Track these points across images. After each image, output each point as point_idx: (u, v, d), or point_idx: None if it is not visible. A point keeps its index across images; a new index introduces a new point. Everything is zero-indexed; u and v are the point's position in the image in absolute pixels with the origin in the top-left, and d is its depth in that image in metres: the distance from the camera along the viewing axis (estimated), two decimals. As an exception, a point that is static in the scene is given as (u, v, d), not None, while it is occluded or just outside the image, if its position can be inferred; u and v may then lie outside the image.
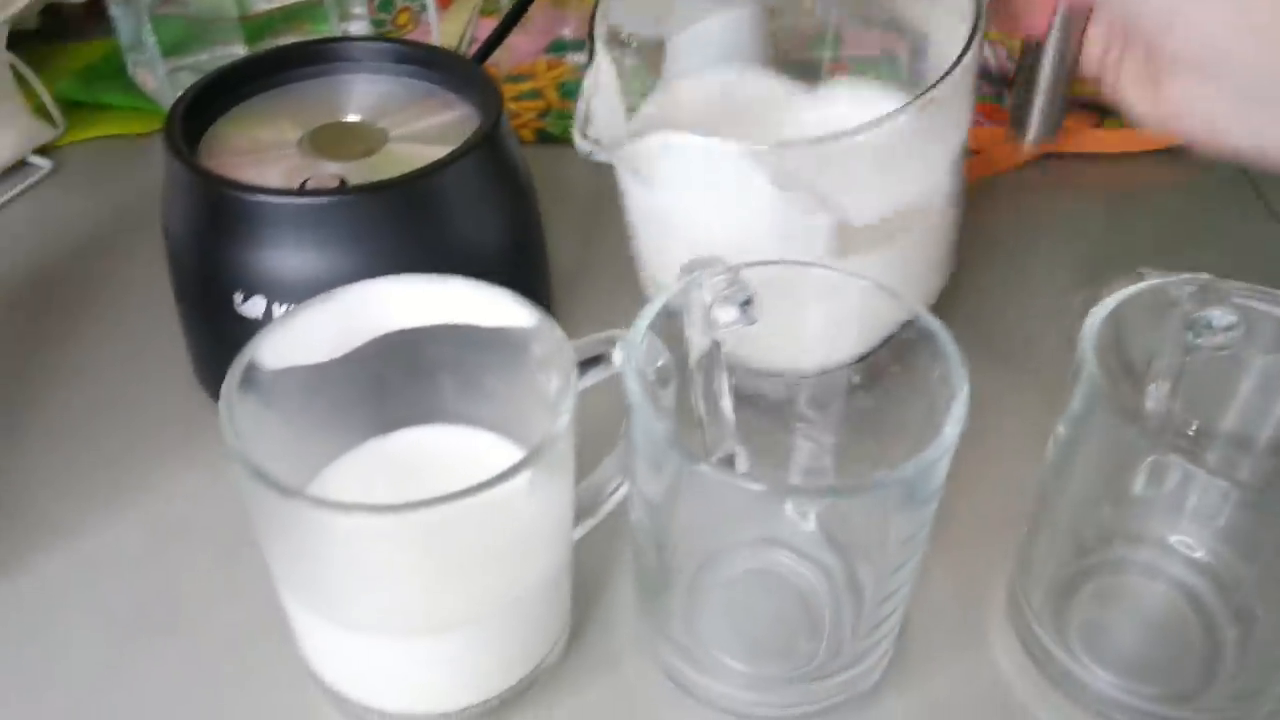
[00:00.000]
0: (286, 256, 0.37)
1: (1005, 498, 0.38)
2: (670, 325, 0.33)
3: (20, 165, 0.56)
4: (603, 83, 0.39)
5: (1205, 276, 0.33)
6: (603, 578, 0.37)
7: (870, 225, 0.37)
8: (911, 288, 0.38)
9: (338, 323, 0.31)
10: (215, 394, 0.42)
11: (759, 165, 0.34)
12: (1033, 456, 0.36)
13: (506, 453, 0.34)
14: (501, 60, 0.61)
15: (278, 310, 0.38)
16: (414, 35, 0.66)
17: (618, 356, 0.32)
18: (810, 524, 0.34)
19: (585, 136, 0.37)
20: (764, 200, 0.35)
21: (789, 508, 0.33)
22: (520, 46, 0.62)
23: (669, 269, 0.33)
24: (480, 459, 0.34)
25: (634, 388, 0.29)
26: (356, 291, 0.31)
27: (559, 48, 0.64)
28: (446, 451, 0.34)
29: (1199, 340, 0.33)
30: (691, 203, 0.38)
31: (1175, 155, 0.57)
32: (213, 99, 0.42)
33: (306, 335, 0.31)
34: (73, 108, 0.60)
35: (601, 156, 0.37)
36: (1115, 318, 0.32)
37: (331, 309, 0.31)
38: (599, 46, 0.40)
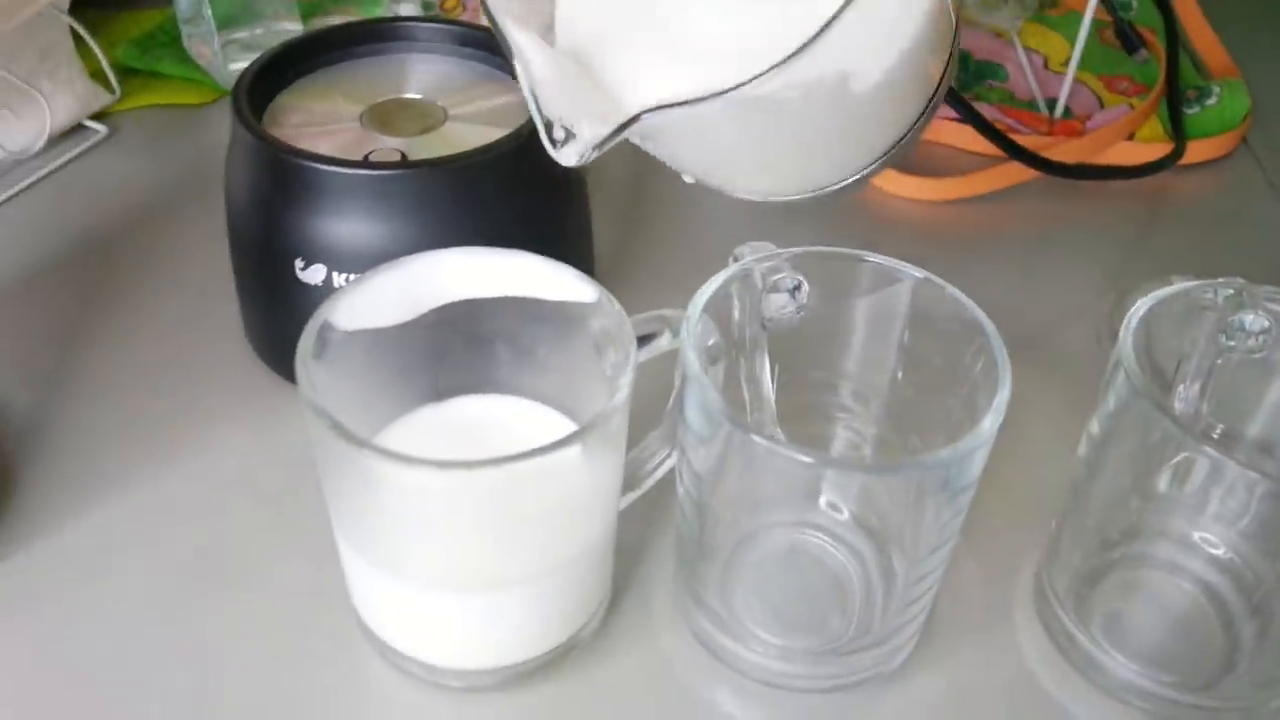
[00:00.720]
0: (348, 226, 0.38)
1: (1033, 489, 0.39)
2: (720, 306, 0.34)
3: (77, 129, 0.58)
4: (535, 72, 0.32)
5: (1239, 281, 0.34)
6: (641, 550, 0.38)
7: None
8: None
9: (407, 289, 0.32)
10: (267, 355, 0.44)
11: None
12: (1060, 451, 0.37)
13: (555, 423, 0.35)
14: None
15: (337, 278, 0.39)
16: (461, 18, 0.67)
17: (668, 334, 0.33)
18: (848, 505, 0.35)
19: (557, 143, 0.31)
20: None
21: (825, 496, 0.34)
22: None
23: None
24: (530, 428, 0.35)
25: (692, 361, 0.30)
26: (426, 260, 0.32)
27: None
28: (498, 420, 0.35)
29: (1232, 343, 0.34)
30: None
31: (1205, 167, 0.59)
32: (277, 72, 0.43)
33: (377, 300, 0.32)
34: (128, 75, 0.61)
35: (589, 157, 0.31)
36: (1148, 319, 0.33)
37: (401, 276, 0.32)
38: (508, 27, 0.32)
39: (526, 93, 0.31)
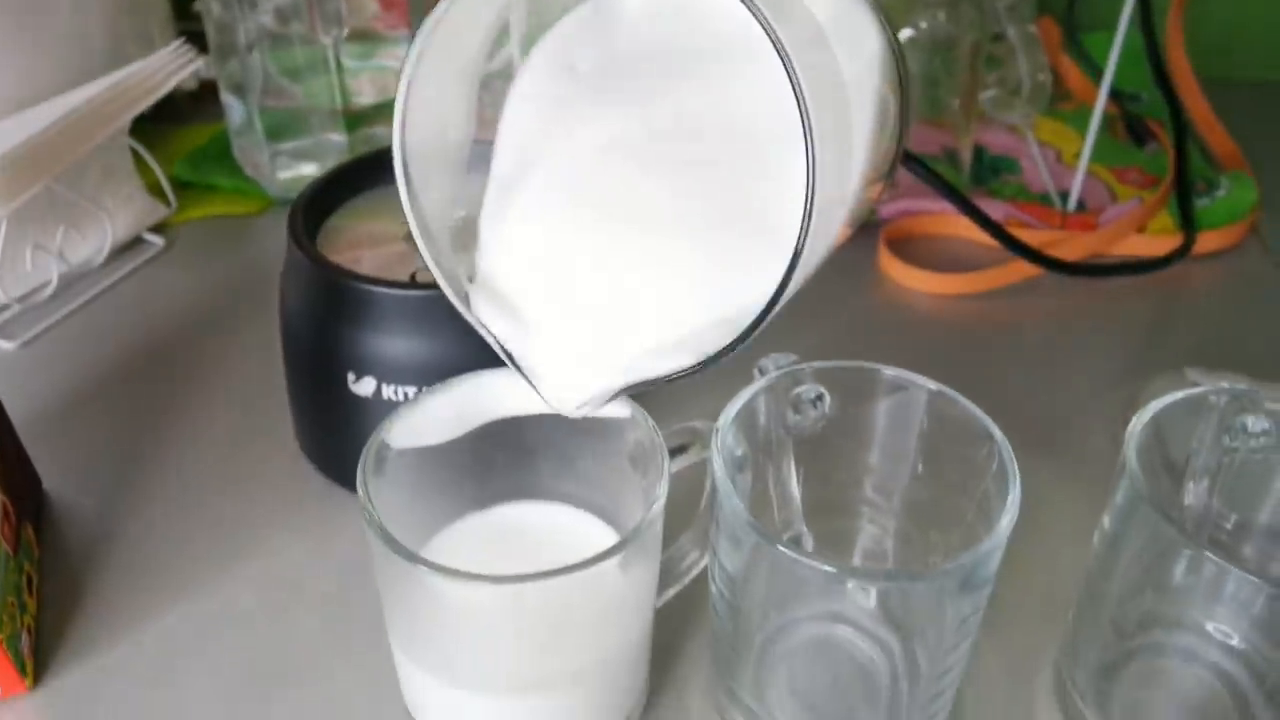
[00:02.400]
0: (397, 342, 0.41)
1: (1051, 583, 0.41)
2: (747, 416, 0.36)
3: (136, 242, 0.61)
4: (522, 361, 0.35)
5: (1241, 386, 0.36)
6: (677, 649, 0.40)
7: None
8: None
9: (455, 408, 0.35)
10: (319, 462, 0.47)
11: None
12: (1077, 544, 0.39)
13: (595, 528, 0.37)
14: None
15: (386, 389, 0.42)
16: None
17: (698, 446, 0.35)
18: (871, 602, 0.37)
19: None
20: None
21: (851, 587, 0.36)
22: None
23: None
24: (571, 534, 0.37)
25: (720, 473, 0.32)
26: (472, 381, 0.35)
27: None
28: (541, 526, 0.37)
29: (1235, 444, 0.36)
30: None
31: (1214, 258, 0.60)
32: (330, 193, 0.46)
33: (428, 419, 0.34)
34: (183, 188, 0.65)
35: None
36: (1156, 421, 0.35)
37: (450, 396, 0.35)
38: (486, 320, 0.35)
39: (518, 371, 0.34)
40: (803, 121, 0.25)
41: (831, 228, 0.30)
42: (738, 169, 0.31)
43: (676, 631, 0.40)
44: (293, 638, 0.40)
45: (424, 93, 0.31)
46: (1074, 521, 0.42)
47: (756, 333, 0.29)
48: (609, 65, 0.33)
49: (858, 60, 0.30)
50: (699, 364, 0.31)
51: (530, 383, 0.33)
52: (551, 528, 0.37)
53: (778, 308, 0.28)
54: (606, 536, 0.37)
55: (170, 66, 0.58)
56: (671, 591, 0.38)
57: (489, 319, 0.33)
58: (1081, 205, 0.62)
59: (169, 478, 0.47)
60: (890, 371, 0.35)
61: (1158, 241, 0.59)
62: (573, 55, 0.34)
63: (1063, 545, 0.42)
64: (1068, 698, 0.37)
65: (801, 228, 0.26)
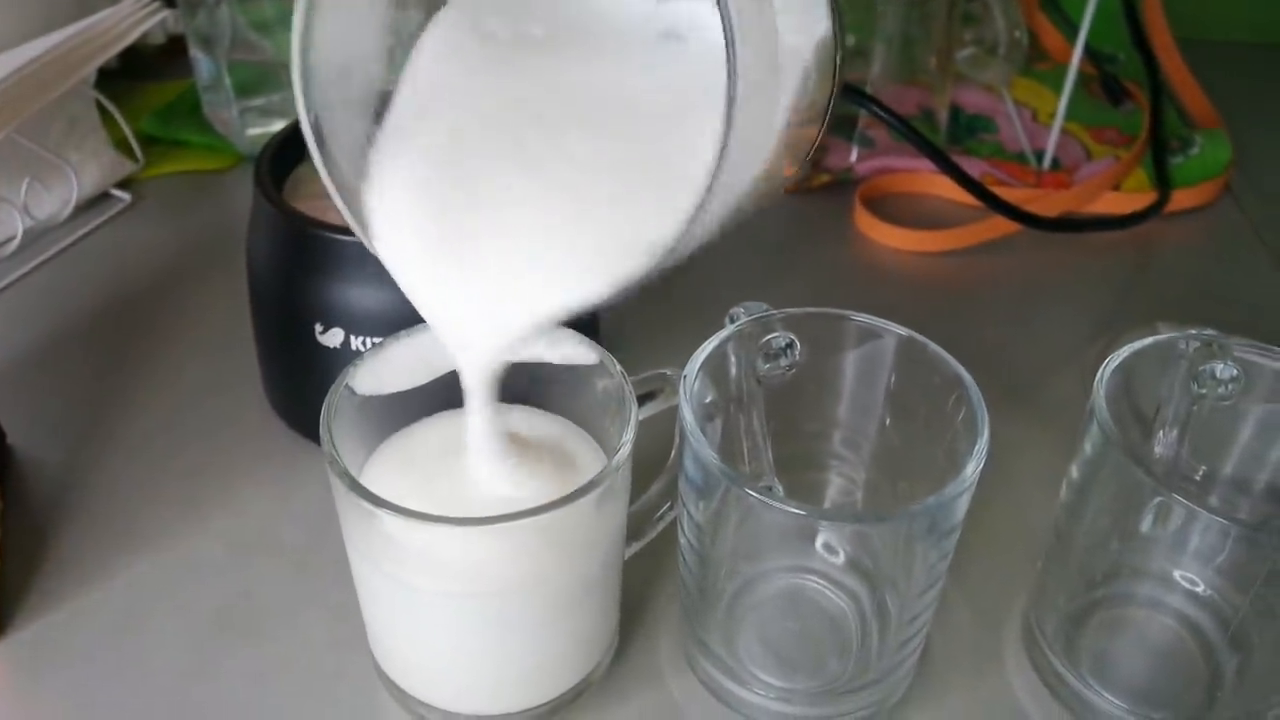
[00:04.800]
0: (365, 292, 0.41)
1: (1021, 533, 0.41)
2: (718, 365, 0.36)
3: (102, 197, 0.60)
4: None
5: (1210, 332, 0.36)
6: (648, 598, 0.40)
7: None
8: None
9: (421, 356, 0.34)
10: (287, 415, 0.46)
11: None
12: (1047, 495, 0.39)
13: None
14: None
15: (354, 341, 0.41)
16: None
17: (668, 393, 0.35)
18: (839, 551, 0.37)
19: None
20: None
21: (820, 540, 0.36)
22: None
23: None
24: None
25: (689, 419, 0.32)
26: (437, 328, 0.34)
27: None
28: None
29: (1203, 391, 0.36)
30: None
31: (1189, 215, 0.61)
32: (298, 143, 0.46)
33: (393, 366, 0.34)
34: (151, 143, 0.64)
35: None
36: (1125, 369, 0.35)
37: (415, 343, 0.34)
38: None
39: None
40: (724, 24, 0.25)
41: (743, 175, 0.29)
42: (642, 132, 0.31)
43: (647, 582, 0.40)
44: (259, 588, 0.40)
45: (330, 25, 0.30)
46: (1046, 473, 0.42)
47: (681, 243, 0.28)
48: (523, 33, 0.33)
49: (800, 35, 0.30)
50: (613, 290, 0.30)
51: (441, 337, 0.32)
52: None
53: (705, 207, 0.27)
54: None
55: (135, 17, 0.57)
56: (640, 543, 0.38)
57: (394, 267, 0.33)
58: (1057, 164, 0.62)
59: (135, 431, 0.46)
60: (860, 318, 0.35)
61: (1133, 199, 0.59)
62: (488, 19, 0.33)
63: (1034, 496, 0.42)
64: (1036, 646, 0.38)
65: (726, 114, 0.25)
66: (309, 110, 0.31)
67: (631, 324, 0.52)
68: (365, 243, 0.33)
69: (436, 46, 0.33)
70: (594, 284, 0.30)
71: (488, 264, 0.31)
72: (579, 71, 0.32)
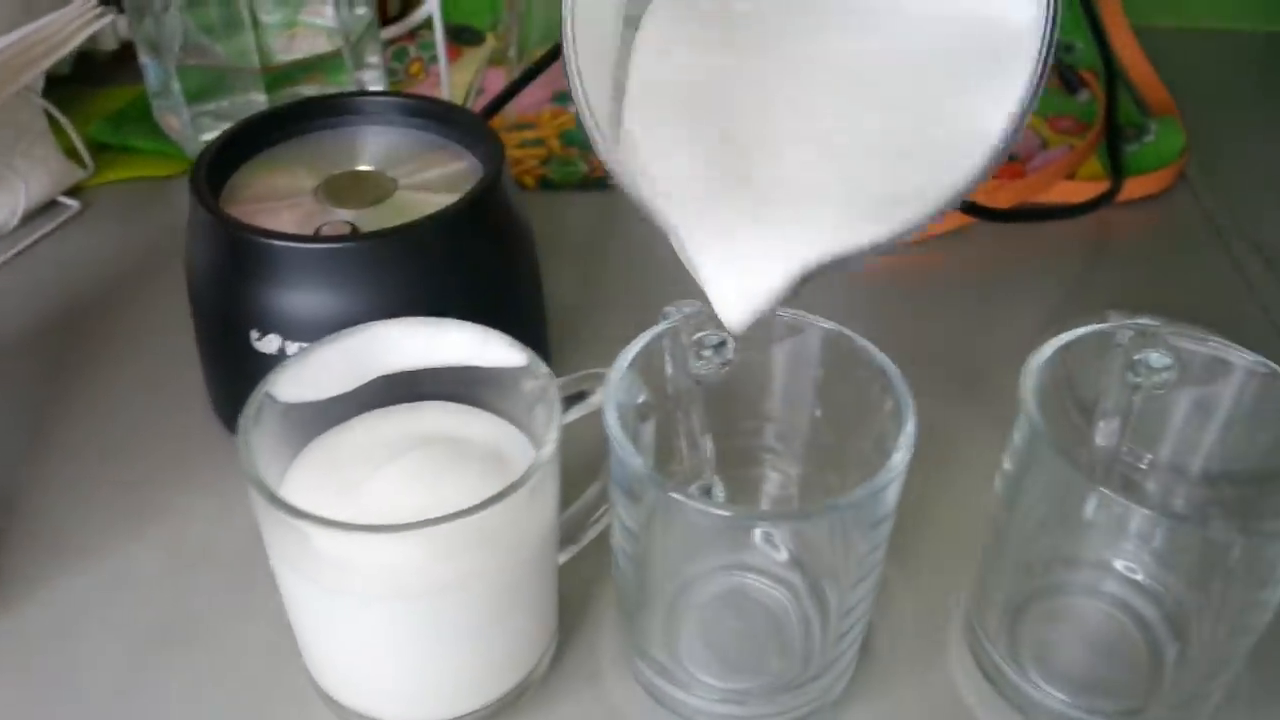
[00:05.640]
0: (300, 297, 0.40)
1: (966, 526, 0.41)
2: (651, 363, 0.36)
3: (51, 205, 0.60)
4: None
5: (1144, 321, 0.36)
6: (587, 601, 0.39)
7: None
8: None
9: (346, 361, 0.34)
10: (230, 424, 0.46)
11: None
12: (990, 488, 0.39)
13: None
14: (507, 109, 0.64)
15: (291, 347, 0.41)
16: (425, 85, 0.70)
17: (599, 394, 0.35)
18: (780, 551, 0.37)
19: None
20: None
21: (757, 534, 0.36)
22: (526, 96, 0.66)
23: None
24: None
25: (612, 422, 0.32)
26: (361, 333, 0.34)
27: (563, 98, 0.67)
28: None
29: (1139, 380, 0.36)
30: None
31: (1144, 203, 0.60)
32: (236, 148, 0.45)
33: (317, 372, 0.34)
34: (101, 150, 0.63)
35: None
36: (1061, 360, 0.35)
37: (340, 348, 0.34)
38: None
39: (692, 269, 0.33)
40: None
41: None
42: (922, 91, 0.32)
43: (589, 583, 0.40)
44: (198, 598, 0.40)
45: None
46: (986, 465, 0.41)
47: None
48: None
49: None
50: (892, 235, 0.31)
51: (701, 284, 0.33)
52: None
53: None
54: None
55: (80, 21, 0.56)
56: (576, 548, 0.38)
57: (655, 205, 0.32)
58: (1012, 154, 0.62)
59: (78, 441, 0.46)
60: (786, 314, 0.35)
61: (1087, 188, 0.59)
62: None
63: (977, 489, 0.42)
64: (976, 640, 0.37)
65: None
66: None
67: (584, 323, 0.52)
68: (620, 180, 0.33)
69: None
70: (873, 228, 0.31)
71: (758, 209, 0.32)
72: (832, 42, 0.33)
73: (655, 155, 0.33)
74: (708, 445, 0.38)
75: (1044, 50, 0.30)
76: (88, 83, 0.68)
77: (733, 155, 0.33)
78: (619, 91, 0.34)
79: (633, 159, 0.33)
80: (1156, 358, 0.35)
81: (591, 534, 0.38)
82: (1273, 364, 0.34)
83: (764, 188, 0.32)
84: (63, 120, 0.60)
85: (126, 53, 0.67)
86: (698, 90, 0.33)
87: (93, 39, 0.67)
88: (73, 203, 0.60)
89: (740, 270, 0.32)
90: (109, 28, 0.67)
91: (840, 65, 0.33)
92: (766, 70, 0.33)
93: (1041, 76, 0.30)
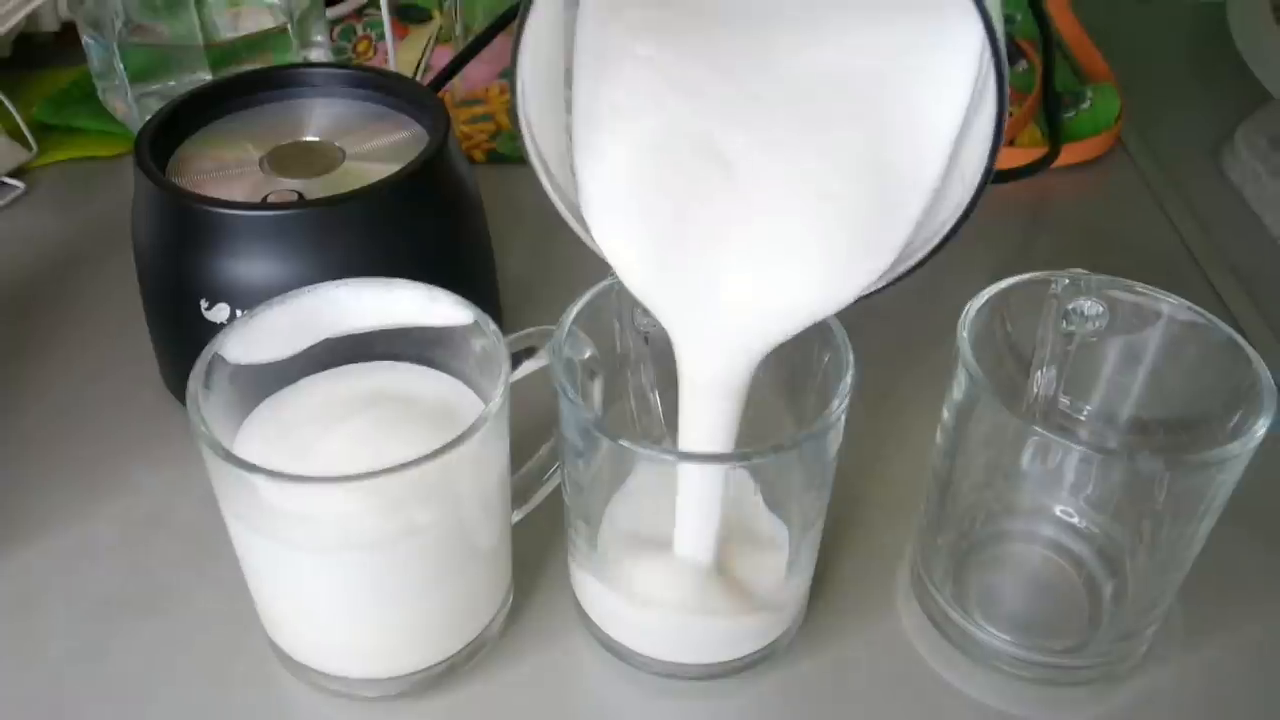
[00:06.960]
0: (249, 266, 0.40)
1: (911, 478, 0.42)
2: (599, 320, 0.36)
3: (-5, 186, 0.59)
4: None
5: (1078, 271, 0.37)
6: (543, 562, 0.40)
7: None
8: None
9: (293, 322, 0.34)
10: (182, 396, 0.45)
11: None
12: (933, 442, 0.40)
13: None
14: (456, 86, 0.64)
15: (240, 316, 0.41)
16: (372, 62, 0.70)
17: (547, 351, 0.35)
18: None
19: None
20: None
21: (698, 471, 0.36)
22: (474, 73, 0.66)
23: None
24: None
25: (559, 376, 0.32)
26: (310, 294, 0.34)
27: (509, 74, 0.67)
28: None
29: (1072, 328, 0.37)
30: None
31: (1082, 169, 0.62)
32: (180, 122, 0.45)
33: (265, 333, 0.34)
34: (45, 131, 0.63)
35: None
36: (996, 310, 0.36)
37: (288, 310, 0.34)
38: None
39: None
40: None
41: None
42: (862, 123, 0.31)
43: (539, 550, 0.40)
44: (154, 569, 0.40)
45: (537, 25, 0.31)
46: (933, 421, 0.42)
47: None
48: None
49: None
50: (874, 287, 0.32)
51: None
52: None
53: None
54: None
55: (15, 1, 0.56)
56: (529, 506, 0.39)
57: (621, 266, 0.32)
58: (954, 122, 0.63)
59: (29, 417, 0.46)
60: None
61: (1027, 154, 0.60)
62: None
63: (921, 444, 0.43)
64: (924, 589, 0.38)
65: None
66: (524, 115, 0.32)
67: (539, 285, 0.52)
68: (577, 230, 0.33)
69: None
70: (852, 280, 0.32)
71: (731, 255, 0.31)
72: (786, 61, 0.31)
73: (615, 242, 0.33)
74: (656, 403, 0.39)
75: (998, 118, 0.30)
76: (29, 64, 0.68)
77: (690, 238, 0.32)
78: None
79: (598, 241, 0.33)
80: (1090, 306, 0.36)
81: (544, 492, 0.38)
82: (1200, 309, 0.35)
83: (723, 273, 0.32)
84: (5, 101, 0.60)
85: (68, 34, 0.67)
86: (646, 165, 0.32)
87: (32, 20, 0.67)
88: (17, 184, 0.59)
89: (708, 353, 0.33)
90: (48, 7, 0.67)
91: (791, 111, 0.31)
92: (711, 129, 0.31)
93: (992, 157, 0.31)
